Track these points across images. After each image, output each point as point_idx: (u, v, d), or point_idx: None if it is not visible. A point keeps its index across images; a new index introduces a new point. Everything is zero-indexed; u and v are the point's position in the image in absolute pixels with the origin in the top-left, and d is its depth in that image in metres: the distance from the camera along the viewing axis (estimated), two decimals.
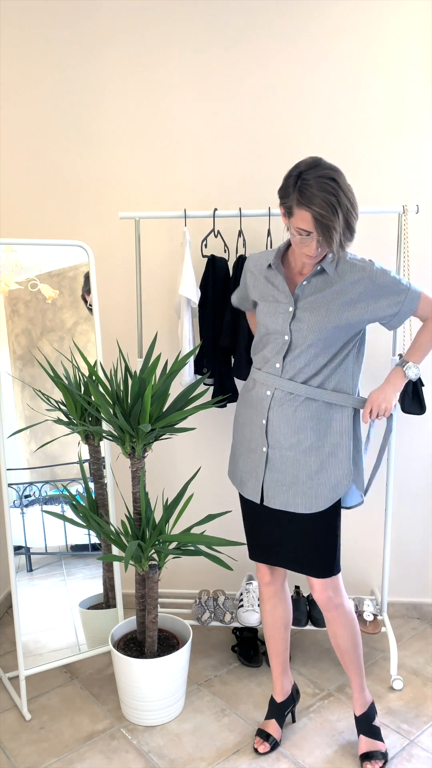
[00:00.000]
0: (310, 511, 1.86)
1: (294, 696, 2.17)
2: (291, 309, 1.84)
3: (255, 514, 1.99)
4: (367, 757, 1.98)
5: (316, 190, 1.63)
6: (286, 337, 1.85)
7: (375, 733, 2.02)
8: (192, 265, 2.32)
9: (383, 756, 1.98)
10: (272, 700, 2.14)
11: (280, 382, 1.86)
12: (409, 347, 1.95)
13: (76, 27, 2.54)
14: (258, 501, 1.93)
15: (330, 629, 1.99)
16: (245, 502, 2.01)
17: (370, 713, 2.05)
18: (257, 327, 1.97)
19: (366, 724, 2.03)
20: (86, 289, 2.41)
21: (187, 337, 2.37)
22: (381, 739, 2.02)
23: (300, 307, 1.83)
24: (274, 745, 2.06)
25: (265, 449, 1.90)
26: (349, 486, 1.90)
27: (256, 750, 2.05)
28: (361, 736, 2.02)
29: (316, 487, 1.86)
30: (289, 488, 1.87)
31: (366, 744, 2.01)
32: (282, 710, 2.12)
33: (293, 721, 2.19)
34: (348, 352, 1.87)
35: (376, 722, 2.05)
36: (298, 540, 1.92)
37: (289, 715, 2.18)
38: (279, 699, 2.13)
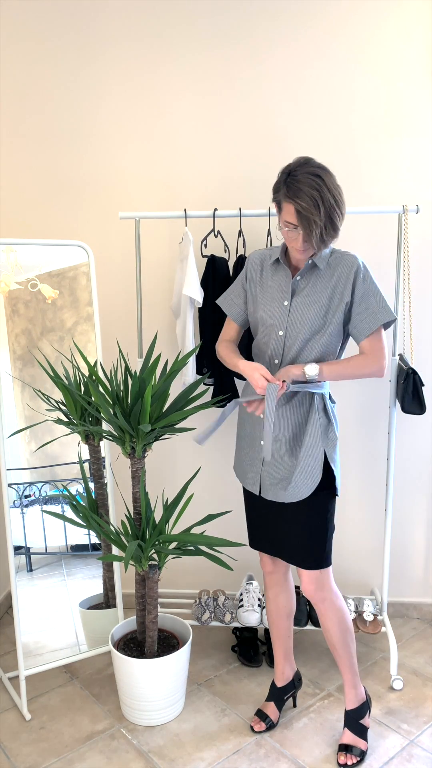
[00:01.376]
0: (294, 500, 1.92)
1: (295, 682, 2.22)
2: (286, 303, 1.90)
3: (254, 504, 2.06)
4: (345, 748, 2.01)
5: (302, 185, 1.72)
6: (281, 333, 1.90)
7: (360, 731, 2.05)
8: (196, 266, 2.32)
9: (361, 753, 2.00)
10: (273, 683, 2.21)
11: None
12: (336, 360, 1.91)
13: (76, 28, 2.54)
14: (257, 492, 2.00)
15: (321, 623, 2.05)
16: (247, 493, 2.09)
17: (360, 710, 2.06)
18: (253, 327, 2.02)
19: (353, 720, 2.06)
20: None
21: (190, 337, 2.37)
22: (365, 739, 2.04)
23: (294, 302, 1.90)
24: (270, 726, 2.13)
25: (262, 443, 1.95)
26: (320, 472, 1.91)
27: (252, 728, 2.13)
28: (346, 729, 2.06)
29: (298, 476, 1.91)
30: (280, 480, 1.94)
31: (348, 737, 2.04)
32: (281, 694, 2.19)
33: (294, 705, 2.25)
34: (337, 349, 1.94)
35: (366, 721, 2.07)
36: (291, 531, 1.98)
37: (290, 700, 2.25)
38: (279, 684, 2.20)
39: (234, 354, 2.04)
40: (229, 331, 2.10)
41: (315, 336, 1.88)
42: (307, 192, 1.71)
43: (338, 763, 1.99)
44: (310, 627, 2.49)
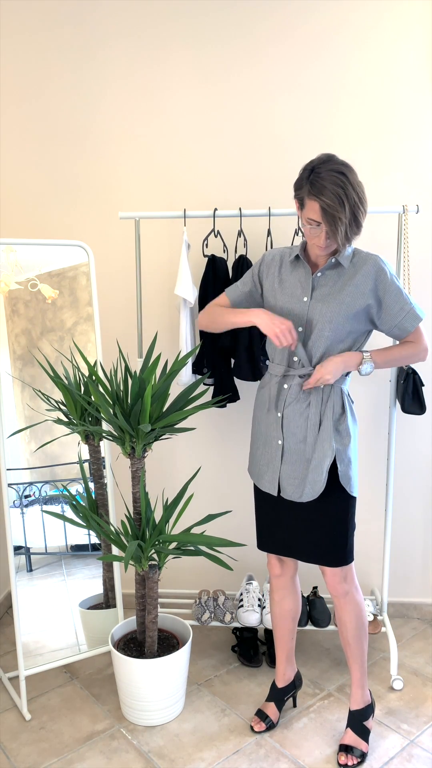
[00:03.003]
0: (313, 498, 1.91)
1: (296, 683, 2.23)
2: (306, 299, 1.89)
3: (270, 506, 2.03)
4: (346, 749, 2.01)
5: (326, 183, 1.72)
6: (300, 329, 1.90)
7: (363, 733, 2.05)
8: (188, 266, 2.32)
9: (362, 755, 2.00)
10: (273, 684, 2.21)
11: (298, 373, 1.90)
12: (382, 348, 1.95)
13: (76, 27, 2.54)
14: (275, 493, 1.98)
15: (338, 619, 2.04)
16: (261, 495, 2.06)
17: (365, 712, 2.06)
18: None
19: (357, 721, 2.06)
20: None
21: (185, 337, 2.37)
22: (366, 741, 2.04)
23: (314, 297, 1.88)
24: (270, 726, 2.13)
25: (280, 442, 1.95)
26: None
27: (252, 729, 2.13)
28: (348, 729, 2.06)
29: (311, 473, 1.91)
30: (301, 479, 1.92)
31: (350, 738, 2.04)
32: (282, 695, 2.19)
33: (294, 705, 2.25)
34: (358, 347, 1.93)
35: (369, 724, 2.07)
36: (310, 530, 1.96)
37: (290, 699, 2.25)
38: (280, 684, 2.20)
39: (231, 310, 1.97)
40: (220, 301, 2.07)
41: (337, 333, 1.86)
42: (331, 189, 1.70)
43: (338, 763, 1.99)
44: (310, 627, 2.49)
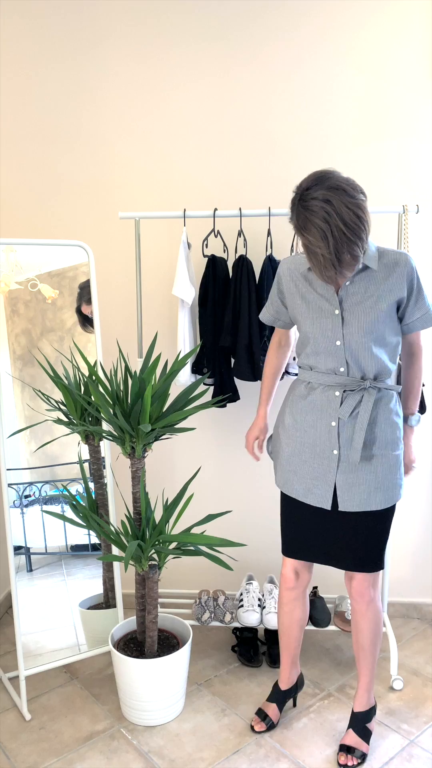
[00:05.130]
0: (384, 507, 1.90)
1: (298, 684, 2.23)
2: (337, 312, 1.82)
3: (314, 517, 1.95)
4: (347, 749, 2.01)
5: (309, 214, 1.61)
6: (338, 342, 1.83)
7: (365, 734, 2.04)
8: (186, 265, 2.32)
9: (362, 756, 2.00)
10: (276, 686, 2.20)
11: (349, 381, 1.85)
12: (405, 397, 2.03)
13: (76, 26, 2.54)
14: (329, 507, 1.90)
15: (355, 624, 2.01)
16: (295, 506, 1.98)
17: (368, 714, 2.06)
18: (299, 330, 1.94)
19: (360, 723, 2.05)
20: (86, 299, 2.40)
21: (182, 337, 2.37)
22: (368, 742, 2.04)
23: (347, 309, 1.81)
24: (270, 726, 2.13)
25: (336, 452, 1.87)
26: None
27: (252, 728, 2.13)
28: (350, 730, 2.06)
29: (384, 481, 1.88)
30: (362, 488, 1.87)
31: (351, 738, 2.04)
32: (284, 697, 2.19)
33: (294, 705, 2.25)
34: (397, 343, 1.89)
35: (371, 726, 2.07)
36: (353, 538, 1.92)
37: (291, 700, 2.26)
38: (284, 687, 2.19)
39: (272, 381, 2.15)
40: (276, 334, 2.13)
41: (377, 337, 1.81)
42: (315, 224, 1.60)
43: (338, 762, 1.99)
44: (310, 627, 2.48)
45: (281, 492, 2.03)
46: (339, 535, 1.94)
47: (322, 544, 1.97)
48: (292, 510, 2.00)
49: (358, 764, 1.98)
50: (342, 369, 1.85)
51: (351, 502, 1.88)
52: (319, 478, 1.90)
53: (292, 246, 2.37)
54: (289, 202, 1.71)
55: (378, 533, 1.92)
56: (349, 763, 1.97)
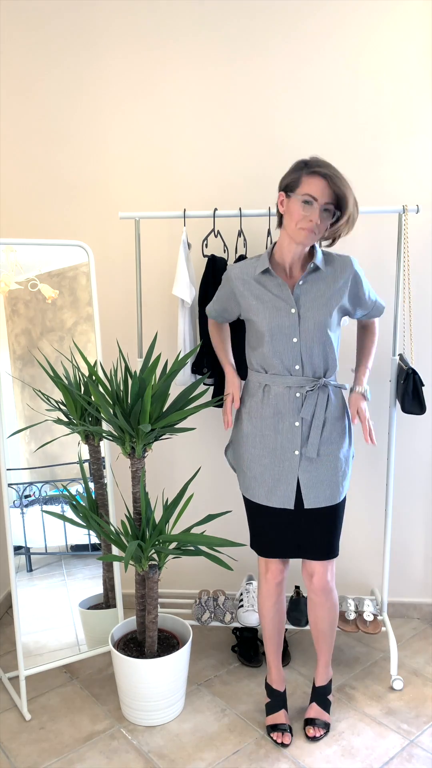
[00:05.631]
0: (338, 501, 1.99)
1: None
2: (294, 311, 1.90)
3: (279, 516, 2.00)
4: (311, 722, 2.12)
5: (324, 168, 1.81)
6: (295, 339, 1.90)
7: (326, 705, 2.17)
8: (186, 265, 2.32)
9: (326, 725, 2.13)
10: (275, 692, 2.17)
11: (304, 381, 1.93)
12: (358, 369, 2.11)
13: (76, 27, 2.54)
14: (291, 507, 1.96)
15: (313, 614, 2.10)
16: (265, 510, 2.02)
17: (328, 687, 2.20)
18: (252, 332, 2.00)
19: (322, 696, 2.18)
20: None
21: (182, 337, 2.37)
22: (329, 712, 2.17)
23: (302, 306, 1.90)
24: (289, 730, 2.13)
25: (297, 452, 1.94)
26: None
27: (283, 744, 2.06)
28: (313, 704, 2.16)
29: (339, 474, 1.98)
30: (325, 485, 1.96)
31: (315, 711, 2.15)
32: (285, 697, 2.19)
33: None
34: (337, 338, 2.00)
35: (330, 697, 2.21)
36: (317, 528, 2.00)
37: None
38: (281, 688, 2.19)
39: (224, 346, 2.17)
40: (210, 323, 2.23)
41: (328, 334, 1.92)
42: (333, 171, 1.80)
43: (307, 735, 2.10)
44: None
45: (244, 497, 2.08)
46: (304, 529, 2.01)
47: (295, 538, 2.03)
48: (257, 513, 2.06)
49: (325, 733, 2.11)
50: (297, 367, 1.92)
51: (317, 499, 1.96)
52: (282, 480, 1.97)
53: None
54: (284, 176, 1.89)
55: (339, 523, 2.04)
56: (317, 734, 2.09)
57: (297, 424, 1.93)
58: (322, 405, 1.92)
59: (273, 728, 2.11)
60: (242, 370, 2.35)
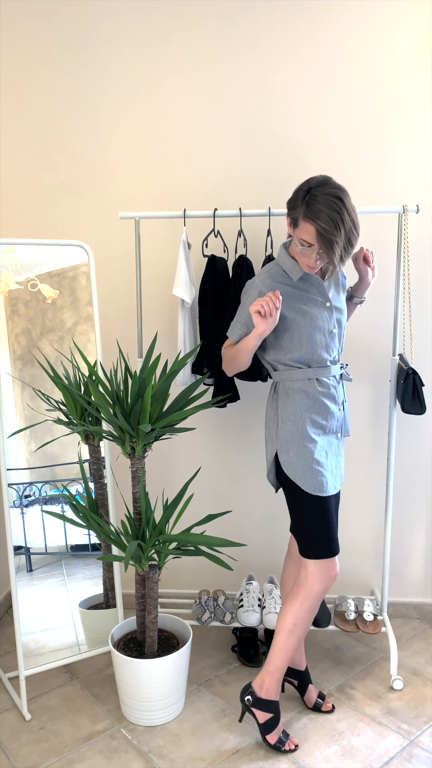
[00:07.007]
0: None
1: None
2: (329, 304, 2.01)
3: (334, 504, 2.03)
4: (322, 697, 2.24)
5: (322, 206, 1.77)
6: (334, 330, 2.02)
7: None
8: (186, 266, 2.32)
9: (322, 695, 2.27)
10: (276, 704, 2.07)
11: (338, 370, 2.06)
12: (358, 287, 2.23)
13: (76, 28, 2.54)
14: (339, 489, 2.06)
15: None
16: (332, 502, 2.00)
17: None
18: (285, 338, 1.96)
19: (310, 675, 2.28)
20: None
21: (182, 337, 2.37)
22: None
23: (332, 299, 2.02)
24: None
25: (339, 435, 2.08)
26: None
27: (292, 750, 2.03)
28: (311, 685, 2.25)
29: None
30: (342, 466, 2.11)
31: (315, 690, 2.25)
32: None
33: (282, 691, 2.20)
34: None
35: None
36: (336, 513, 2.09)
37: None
38: (277, 697, 2.12)
39: (240, 345, 2.01)
40: (228, 344, 2.10)
41: (345, 319, 2.09)
42: (328, 213, 1.76)
43: (325, 711, 2.23)
44: (310, 627, 2.48)
45: (313, 496, 1.95)
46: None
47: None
48: (327, 508, 1.98)
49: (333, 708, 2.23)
50: (334, 356, 2.04)
51: (341, 479, 2.10)
52: (338, 466, 2.08)
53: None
54: (289, 200, 1.87)
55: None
56: (334, 705, 2.25)
57: (340, 410, 2.05)
58: (344, 389, 2.10)
59: (280, 742, 2.04)
60: (248, 374, 2.36)
